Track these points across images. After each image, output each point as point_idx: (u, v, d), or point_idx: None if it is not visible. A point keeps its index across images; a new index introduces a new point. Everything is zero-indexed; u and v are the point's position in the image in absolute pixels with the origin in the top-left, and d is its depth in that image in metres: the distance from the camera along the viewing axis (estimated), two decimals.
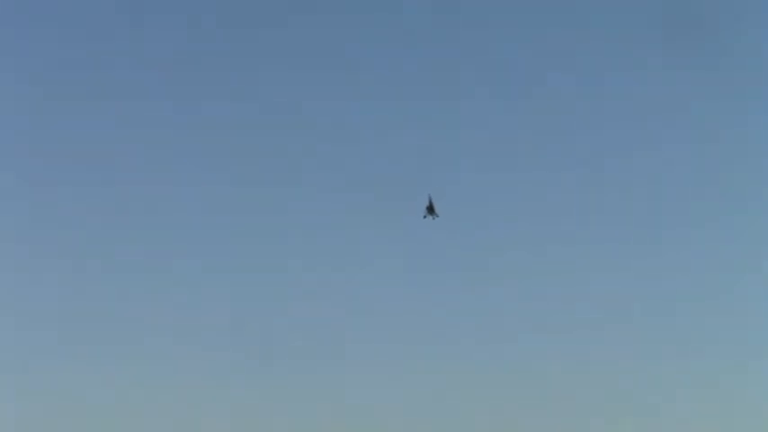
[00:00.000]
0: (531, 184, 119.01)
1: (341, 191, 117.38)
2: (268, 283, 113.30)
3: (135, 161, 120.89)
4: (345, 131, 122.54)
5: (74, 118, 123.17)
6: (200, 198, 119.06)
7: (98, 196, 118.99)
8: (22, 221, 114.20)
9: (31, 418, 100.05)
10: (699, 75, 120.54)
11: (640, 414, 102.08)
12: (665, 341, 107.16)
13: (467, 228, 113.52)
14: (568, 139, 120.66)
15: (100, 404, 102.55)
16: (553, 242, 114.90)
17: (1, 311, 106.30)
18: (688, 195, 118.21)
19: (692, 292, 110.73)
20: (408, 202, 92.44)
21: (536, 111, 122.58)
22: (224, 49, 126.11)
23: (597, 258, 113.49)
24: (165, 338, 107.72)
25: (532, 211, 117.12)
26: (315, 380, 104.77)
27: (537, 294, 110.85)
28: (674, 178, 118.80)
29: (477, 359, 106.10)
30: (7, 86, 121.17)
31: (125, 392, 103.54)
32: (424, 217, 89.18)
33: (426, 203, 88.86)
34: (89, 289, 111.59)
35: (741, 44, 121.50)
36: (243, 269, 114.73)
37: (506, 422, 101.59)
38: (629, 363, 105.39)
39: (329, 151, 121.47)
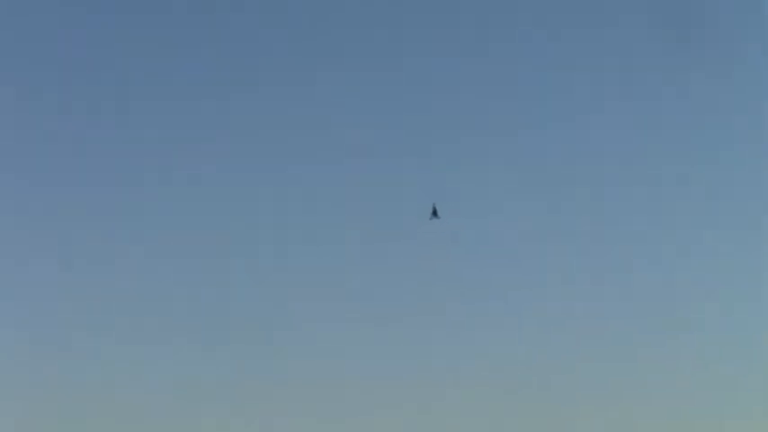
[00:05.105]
0: (531, 183, 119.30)
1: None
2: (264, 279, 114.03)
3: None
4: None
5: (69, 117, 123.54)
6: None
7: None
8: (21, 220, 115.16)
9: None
10: (703, 76, 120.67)
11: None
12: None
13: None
14: (568, 139, 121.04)
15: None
16: (554, 243, 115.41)
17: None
18: (689, 195, 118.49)
19: (692, 294, 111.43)
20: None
21: (537, 110, 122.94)
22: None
23: (596, 259, 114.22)
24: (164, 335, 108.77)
25: (533, 212, 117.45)
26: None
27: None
28: (675, 180, 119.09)
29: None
30: None
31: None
32: (430, 219, 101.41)
33: (431, 209, 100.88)
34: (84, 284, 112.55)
35: (744, 45, 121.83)
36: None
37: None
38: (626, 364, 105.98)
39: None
